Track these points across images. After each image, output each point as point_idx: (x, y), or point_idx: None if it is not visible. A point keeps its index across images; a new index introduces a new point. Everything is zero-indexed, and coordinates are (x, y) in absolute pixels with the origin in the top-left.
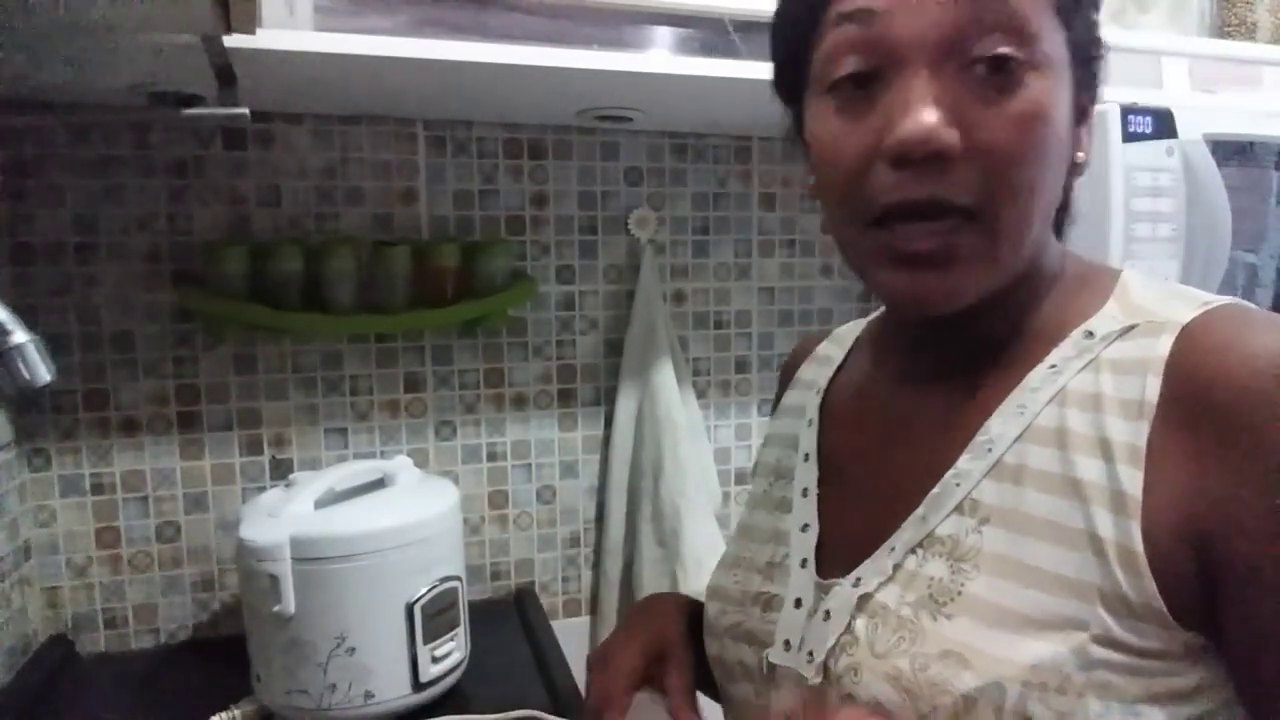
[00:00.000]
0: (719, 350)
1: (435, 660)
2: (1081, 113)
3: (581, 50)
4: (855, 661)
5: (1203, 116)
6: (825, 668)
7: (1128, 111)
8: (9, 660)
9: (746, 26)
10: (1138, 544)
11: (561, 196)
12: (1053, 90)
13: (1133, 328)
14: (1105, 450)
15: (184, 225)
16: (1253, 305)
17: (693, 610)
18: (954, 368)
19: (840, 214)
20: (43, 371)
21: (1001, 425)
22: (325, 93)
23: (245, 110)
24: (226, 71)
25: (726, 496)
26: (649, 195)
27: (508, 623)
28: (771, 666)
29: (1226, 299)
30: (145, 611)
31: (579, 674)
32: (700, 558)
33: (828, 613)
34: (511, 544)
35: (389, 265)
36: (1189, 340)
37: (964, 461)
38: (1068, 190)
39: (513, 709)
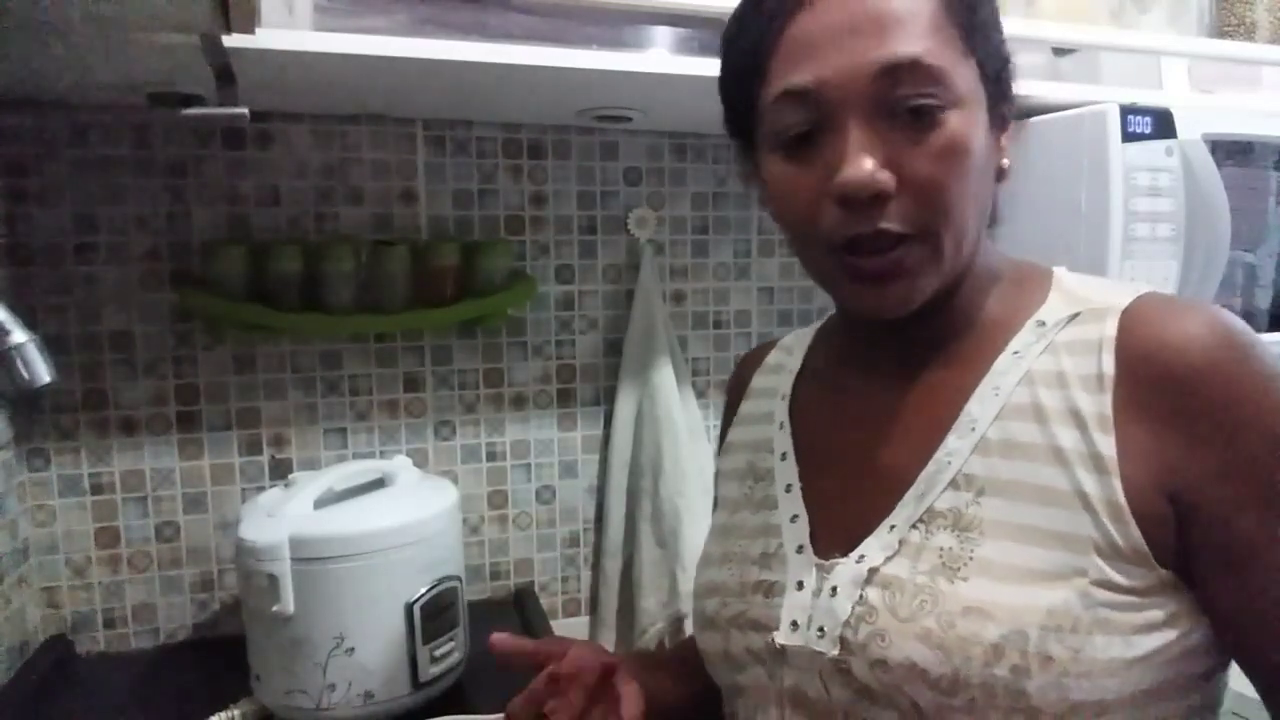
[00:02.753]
0: (718, 350)
1: (434, 660)
2: (1002, 121)
3: (581, 50)
4: (879, 628)
5: (1202, 116)
6: (843, 640)
7: (1127, 111)
8: (8, 660)
9: None
10: (1121, 497)
11: (561, 196)
12: (969, 119)
13: (1077, 315)
14: (1078, 420)
15: (183, 225)
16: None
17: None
18: (918, 360)
19: (801, 242)
20: (42, 371)
21: (980, 406)
22: (324, 92)
23: (244, 110)
24: (226, 71)
25: None
26: (648, 195)
27: (507, 623)
28: (782, 647)
29: (1145, 287)
30: (144, 611)
31: None
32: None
33: (834, 589)
34: (511, 544)
35: (388, 265)
36: (1131, 320)
37: (952, 441)
38: (994, 195)
39: None
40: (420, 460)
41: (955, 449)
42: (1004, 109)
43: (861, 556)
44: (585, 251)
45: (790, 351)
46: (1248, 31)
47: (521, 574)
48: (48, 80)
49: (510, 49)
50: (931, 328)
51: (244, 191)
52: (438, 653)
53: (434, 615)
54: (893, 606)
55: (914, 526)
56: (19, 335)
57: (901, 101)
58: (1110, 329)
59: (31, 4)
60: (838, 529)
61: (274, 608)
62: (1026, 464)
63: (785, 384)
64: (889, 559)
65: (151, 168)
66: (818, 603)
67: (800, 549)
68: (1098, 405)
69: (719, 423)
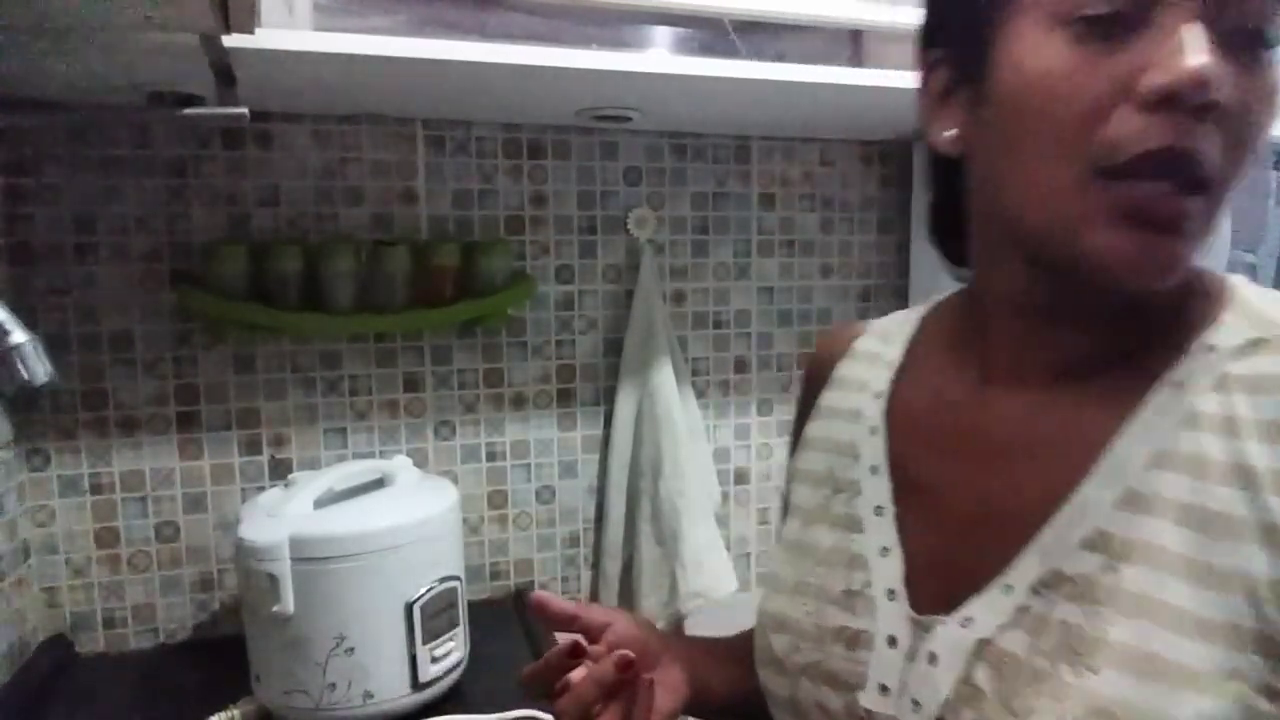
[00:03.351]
0: (718, 350)
1: (434, 660)
2: None
3: (581, 50)
4: (984, 718)
5: None
6: None
7: None
8: (8, 660)
9: (745, 26)
10: None
11: (560, 196)
12: None
13: (1260, 341)
14: (1249, 479)
15: (183, 225)
16: None
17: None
18: (1058, 375)
19: (1054, 160)
20: (41, 371)
21: (1128, 448)
22: (324, 92)
23: (244, 110)
24: (225, 71)
25: (726, 496)
26: (648, 195)
27: (507, 622)
28: (868, 712)
29: None
30: (144, 611)
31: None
32: (699, 558)
33: (933, 655)
34: (511, 544)
35: (388, 265)
36: None
37: (1090, 489)
38: None
39: (512, 709)
40: (420, 460)
41: (1093, 499)
42: None
43: (968, 620)
44: (585, 251)
45: (887, 339)
46: None
47: (521, 574)
48: (48, 80)
49: (510, 49)
50: (1080, 337)
51: (244, 191)
52: (438, 653)
53: (434, 615)
54: (1004, 695)
55: (1036, 592)
56: (19, 335)
57: (1244, 19)
58: None
59: (31, 4)
60: (937, 574)
61: (274, 608)
62: (1178, 529)
63: (880, 379)
64: (1003, 629)
65: (151, 168)
66: (913, 668)
67: (891, 594)
68: (1277, 462)
69: (718, 422)
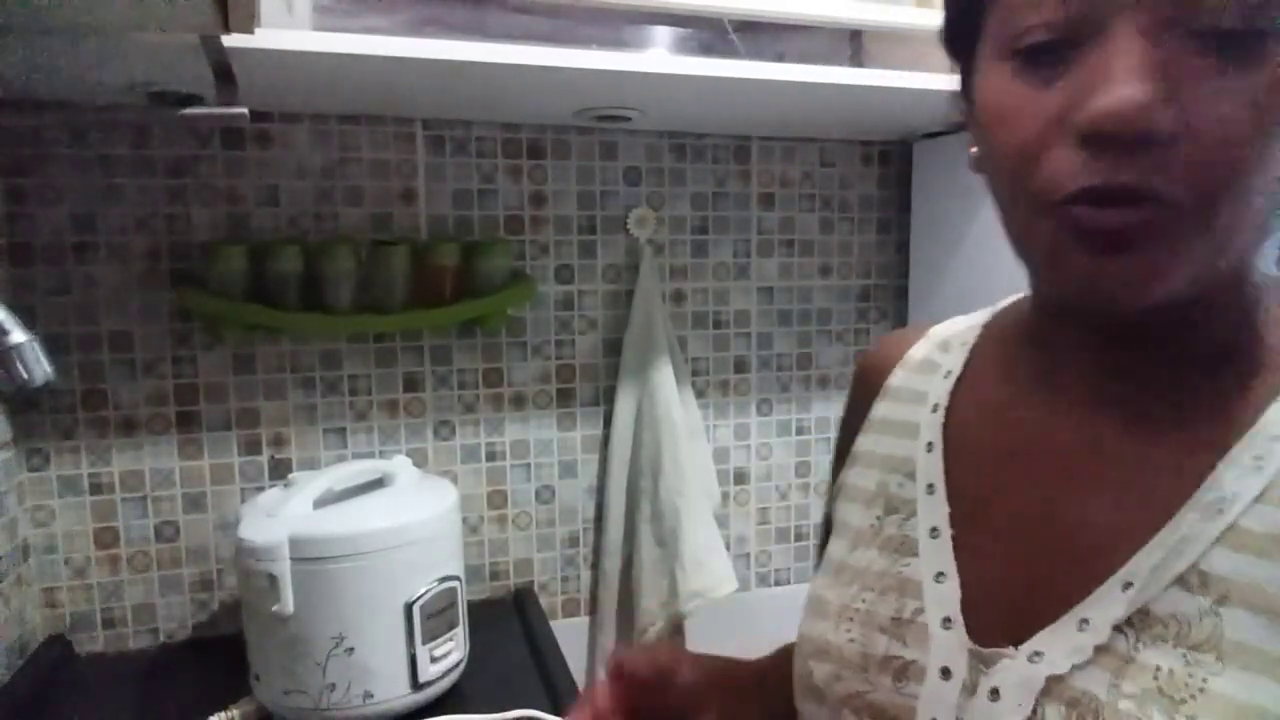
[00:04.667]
0: (718, 350)
1: (434, 660)
2: None
3: (580, 50)
4: None
5: None
6: None
7: None
8: (7, 660)
9: (745, 26)
10: None
11: (560, 196)
12: None
13: None
14: None
15: (183, 225)
16: None
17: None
18: (1145, 393)
19: (1010, 195)
20: (41, 371)
21: (1236, 480)
22: (324, 92)
23: (244, 110)
24: (225, 71)
25: (725, 496)
26: (648, 195)
27: (507, 623)
28: None
29: None
30: (144, 611)
31: (578, 674)
32: (699, 558)
33: (995, 691)
34: (510, 544)
35: (388, 265)
36: None
37: (1189, 521)
38: None
39: (512, 709)
40: (420, 460)
41: (1193, 533)
42: None
43: (1037, 654)
44: (585, 251)
45: (947, 348)
46: None
47: (521, 574)
48: (48, 80)
49: (510, 49)
50: (1172, 351)
51: (244, 191)
52: (437, 653)
53: (433, 615)
54: None
55: (1120, 631)
56: (18, 335)
57: (1213, 15)
58: None
59: (31, 4)
60: (998, 603)
61: (274, 607)
62: None
63: (940, 391)
64: (1079, 667)
65: (151, 167)
66: (971, 704)
67: (947, 622)
68: None
69: (718, 422)
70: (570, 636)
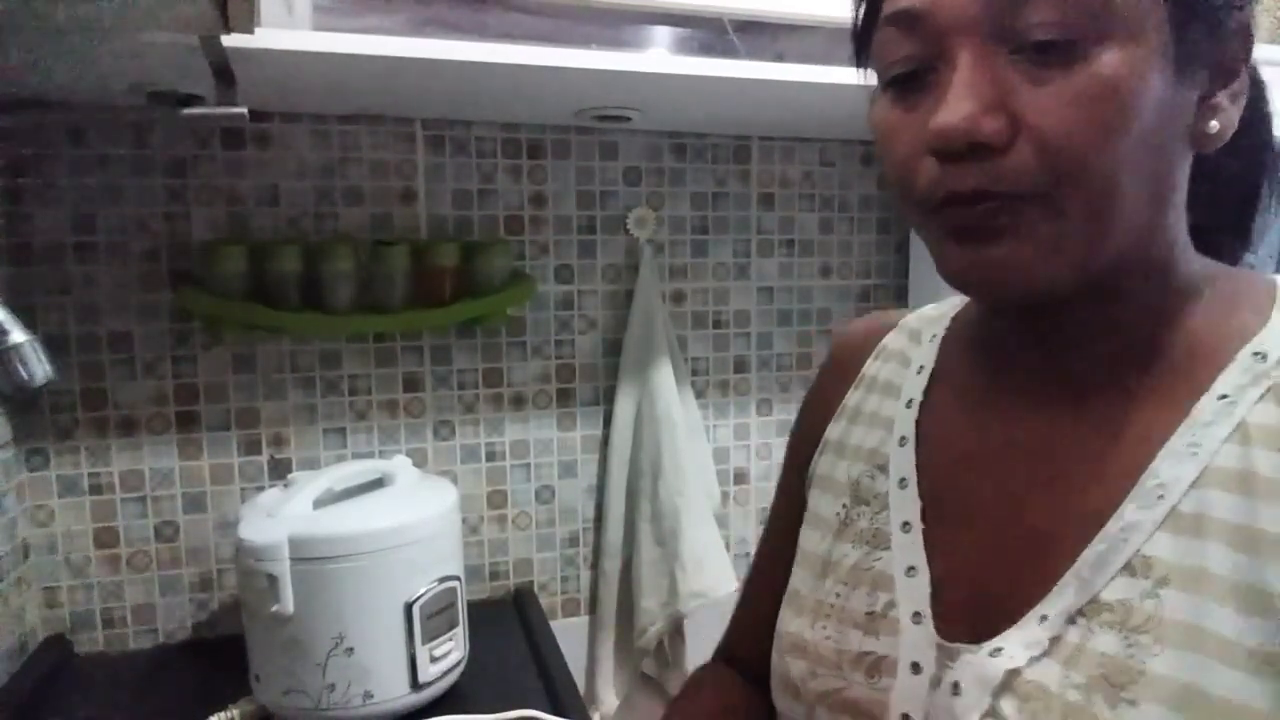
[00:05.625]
0: (718, 350)
1: (434, 660)
2: (1211, 69)
3: (580, 50)
4: None
5: None
6: None
7: None
8: (7, 660)
9: (745, 26)
10: None
11: (560, 196)
12: (1131, 60)
13: None
14: None
15: (182, 225)
16: None
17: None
18: (1090, 386)
19: (903, 203)
20: (41, 371)
21: (1173, 467)
22: (324, 92)
23: (244, 110)
24: (225, 71)
25: (725, 496)
26: (648, 195)
27: (506, 622)
28: None
29: None
30: (143, 611)
31: (578, 674)
32: (699, 558)
33: (957, 685)
34: (510, 544)
35: (387, 265)
36: None
37: (1131, 510)
38: (1246, 181)
39: (512, 709)
40: (419, 460)
41: (1135, 521)
42: (1209, 52)
43: (997, 649)
44: (584, 251)
45: (919, 339)
46: None
47: (521, 574)
48: (47, 80)
49: (510, 49)
50: (1101, 344)
51: (243, 191)
52: (437, 653)
53: (433, 615)
54: None
55: (1072, 621)
56: (18, 335)
57: (1029, 33)
58: None
59: (30, 4)
60: (966, 597)
61: (273, 608)
62: (1227, 551)
63: (915, 386)
64: (1034, 660)
65: (150, 167)
66: (935, 697)
67: (917, 617)
68: None
69: (718, 422)
70: (570, 636)
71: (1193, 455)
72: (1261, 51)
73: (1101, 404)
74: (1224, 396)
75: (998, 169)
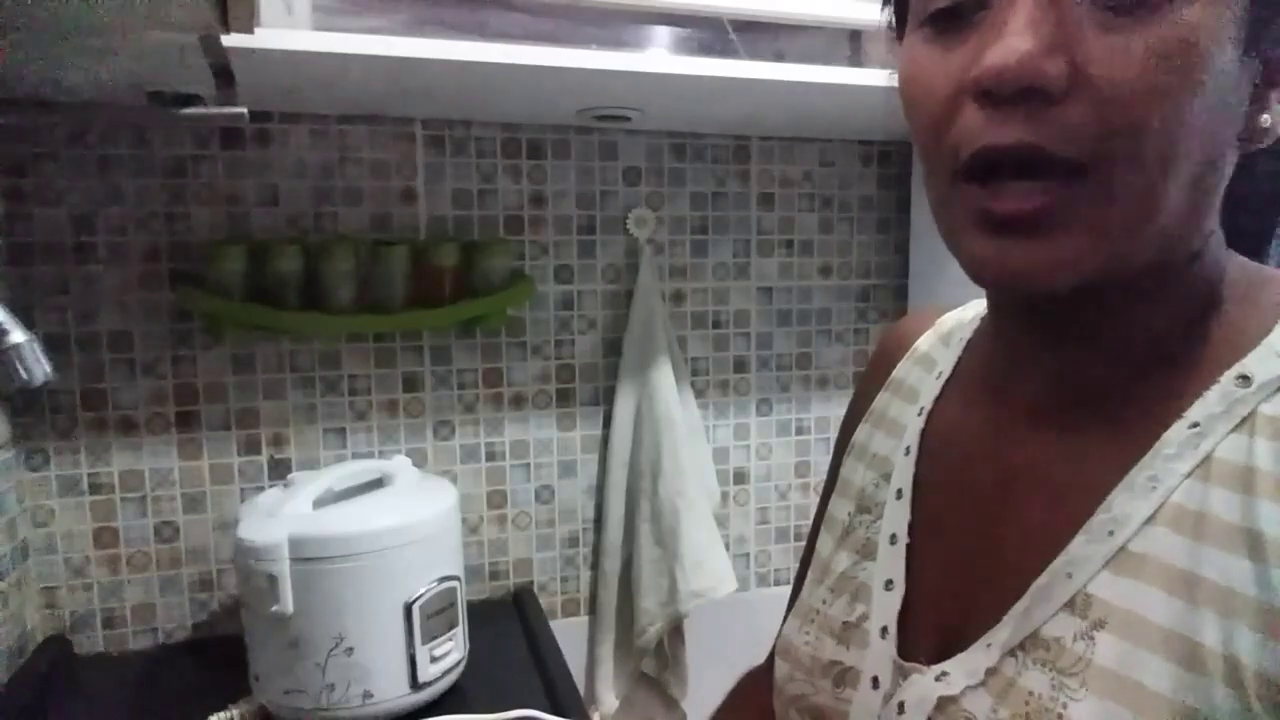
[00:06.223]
0: (718, 350)
1: (434, 660)
2: (1274, 63)
3: (580, 50)
4: None
5: None
6: None
7: None
8: (7, 660)
9: (745, 26)
10: None
11: (560, 196)
12: (1211, 23)
13: None
14: (1254, 548)
15: (182, 225)
16: None
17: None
18: (1077, 408)
19: (927, 166)
20: (40, 371)
21: (1127, 502)
22: (323, 92)
23: (243, 110)
24: (224, 71)
25: (725, 496)
26: (647, 195)
27: (506, 622)
28: None
29: None
30: (143, 611)
31: (578, 674)
32: (699, 558)
33: (902, 705)
34: (510, 544)
35: (387, 265)
36: None
37: (1078, 545)
38: (1273, 183)
39: (511, 709)
40: (419, 460)
41: (1080, 556)
42: (1273, 40)
43: (943, 674)
44: (584, 251)
45: (948, 342)
46: None
47: (521, 574)
48: (47, 80)
49: (510, 49)
50: (1109, 351)
51: (243, 191)
52: (437, 653)
53: (433, 615)
54: None
55: (1011, 654)
56: (17, 335)
57: None
58: None
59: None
60: (932, 618)
61: (273, 608)
62: (1165, 597)
63: (929, 392)
64: (969, 689)
65: (150, 167)
66: (885, 713)
67: (884, 632)
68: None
69: (718, 422)
70: (570, 636)
71: (1151, 490)
72: None
73: (1088, 424)
74: (1195, 425)
75: (1048, 121)
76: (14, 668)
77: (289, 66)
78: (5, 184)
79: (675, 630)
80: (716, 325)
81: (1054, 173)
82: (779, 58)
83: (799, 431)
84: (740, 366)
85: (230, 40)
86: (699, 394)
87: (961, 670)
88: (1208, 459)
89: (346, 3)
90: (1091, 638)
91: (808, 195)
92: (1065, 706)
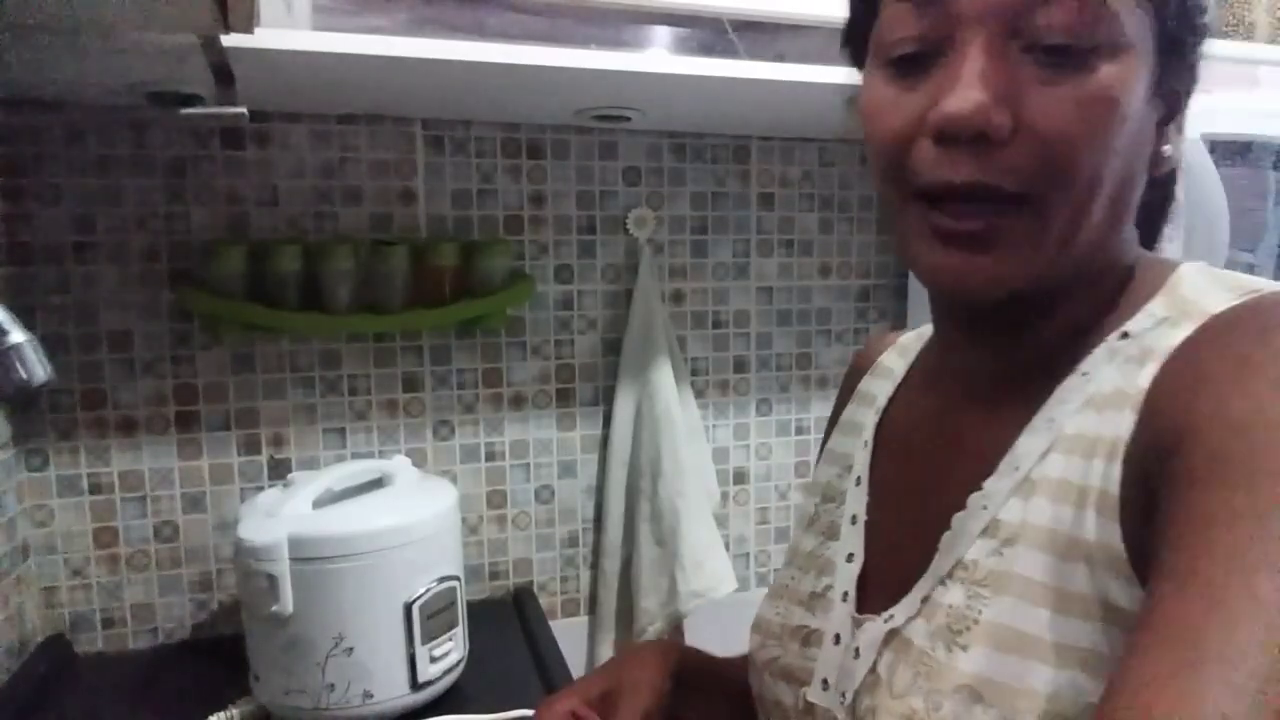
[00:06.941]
0: (717, 350)
1: (433, 660)
2: (1172, 102)
3: (580, 50)
4: (875, 703)
5: (1200, 116)
6: (853, 709)
7: None
8: (7, 660)
9: (745, 26)
10: (1118, 540)
11: (560, 196)
12: (1127, 77)
13: (1165, 320)
14: (1113, 451)
15: (182, 225)
16: None
17: (683, 659)
18: (1002, 385)
19: (884, 187)
20: (40, 371)
21: (1029, 441)
22: (323, 92)
23: (243, 110)
24: (224, 71)
25: (725, 496)
26: (647, 195)
27: (506, 622)
28: (810, 705)
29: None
30: (143, 611)
31: (578, 674)
32: (699, 558)
33: (857, 650)
34: (510, 544)
35: (387, 265)
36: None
37: (991, 482)
38: (1162, 192)
39: (511, 709)
40: (419, 460)
41: (993, 491)
42: (1177, 91)
43: (890, 616)
44: (584, 251)
45: (904, 353)
46: (1246, 31)
47: (520, 574)
48: (47, 80)
49: (509, 49)
50: (1044, 336)
51: (243, 191)
52: (436, 653)
53: (433, 615)
54: (891, 679)
55: (941, 582)
56: (17, 335)
57: (1043, 34)
58: (1178, 337)
59: (30, 4)
60: (888, 578)
61: (273, 608)
62: (1053, 506)
63: (884, 393)
64: (910, 620)
65: (150, 168)
66: (844, 662)
67: (845, 596)
68: (1122, 429)
69: (718, 422)
70: (570, 636)
71: (1048, 427)
72: (1261, 51)
73: (1020, 395)
74: (1085, 374)
75: (994, 163)
76: (14, 668)
77: (289, 66)
78: (6, 184)
79: (675, 630)
80: (716, 325)
81: (997, 200)
82: (779, 58)
83: (799, 431)
84: (740, 366)
85: (230, 40)
86: (699, 394)
87: (904, 608)
88: (1092, 395)
89: (346, 2)
90: (1001, 553)
91: (808, 195)
92: (980, 611)
